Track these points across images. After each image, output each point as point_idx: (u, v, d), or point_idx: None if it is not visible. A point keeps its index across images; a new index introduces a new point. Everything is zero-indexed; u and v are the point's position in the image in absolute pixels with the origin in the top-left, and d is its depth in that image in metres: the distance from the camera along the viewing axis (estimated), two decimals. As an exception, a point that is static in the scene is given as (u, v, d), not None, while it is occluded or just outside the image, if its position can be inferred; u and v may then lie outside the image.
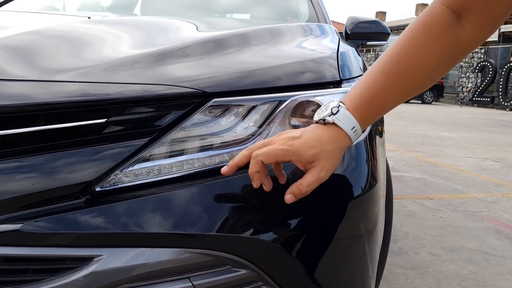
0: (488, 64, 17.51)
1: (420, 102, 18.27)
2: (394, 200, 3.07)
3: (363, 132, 0.76)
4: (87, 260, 0.68)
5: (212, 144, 0.80)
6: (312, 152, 0.69)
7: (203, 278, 0.72)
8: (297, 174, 0.76)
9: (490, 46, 18.96)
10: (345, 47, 1.20)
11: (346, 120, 0.71)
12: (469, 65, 18.91)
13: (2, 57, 0.81)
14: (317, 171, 0.69)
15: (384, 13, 36.04)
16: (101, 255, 0.68)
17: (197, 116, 0.79)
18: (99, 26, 1.18)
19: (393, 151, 5.67)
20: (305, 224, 0.79)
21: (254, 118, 0.84)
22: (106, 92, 0.75)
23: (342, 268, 0.84)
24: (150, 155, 0.76)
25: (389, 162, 4.47)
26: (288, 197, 0.71)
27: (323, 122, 0.72)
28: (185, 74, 0.83)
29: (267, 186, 0.73)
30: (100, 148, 0.73)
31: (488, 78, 17.39)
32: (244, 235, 0.73)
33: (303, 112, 0.88)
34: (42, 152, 0.71)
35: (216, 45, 0.97)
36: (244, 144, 0.81)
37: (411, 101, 18.55)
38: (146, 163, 0.76)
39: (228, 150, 0.80)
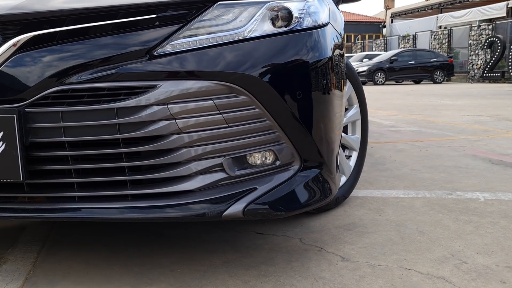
0: (497, 40, 17.65)
1: (431, 82, 18.52)
2: (387, 144, 3.56)
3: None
4: (153, 86, 1.20)
5: (218, 31, 1.31)
6: None
7: (219, 99, 1.23)
8: None
9: (498, 22, 19.08)
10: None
11: None
12: (477, 42, 19.07)
13: None
14: None
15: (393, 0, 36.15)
16: (161, 84, 1.20)
17: (209, 13, 1.30)
18: None
19: (395, 115, 6.12)
20: (286, 74, 1.31)
21: (245, 16, 1.34)
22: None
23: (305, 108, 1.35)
24: (182, 36, 1.27)
25: (389, 124, 4.94)
26: None
27: None
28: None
29: None
30: (155, 30, 1.25)
31: (497, 54, 17.53)
32: (245, 73, 1.24)
33: (277, 13, 1.38)
34: (121, 32, 1.24)
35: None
36: (237, 30, 1.31)
37: (422, 82, 18.81)
38: (180, 40, 1.27)
39: (227, 34, 1.31)
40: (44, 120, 1.21)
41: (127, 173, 1.25)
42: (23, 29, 1.21)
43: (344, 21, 1.97)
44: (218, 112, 1.24)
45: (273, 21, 1.36)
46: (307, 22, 1.41)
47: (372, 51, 25.87)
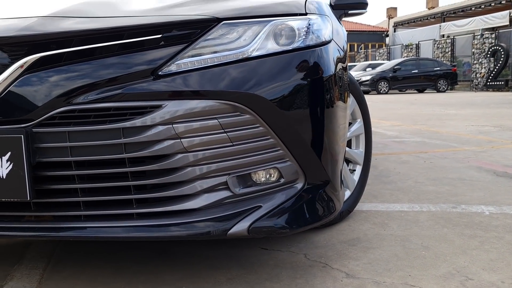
0: (500, 48, 17.68)
1: (435, 91, 18.51)
2: (391, 155, 3.56)
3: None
4: (158, 106, 1.21)
5: (222, 50, 1.32)
6: None
7: (223, 118, 1.24)
8: None
9: (501, 30, 19.10)
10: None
11: None
12: (480, 51, 19.07)
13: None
14: None
15: (395, 8, 36.27)
16: (166, 104, 1.21)
17: (213, 32, 1.32)
18: None
19: (398, 125, 6.12)
20: (290, 92, 1.32)
21: (249, 34, 1.36)
22: (160, 20, 1.29)
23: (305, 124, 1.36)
24: (187, 55, 1.29)
25: (393, 134, 4.91)
26: None
27: None
28: (207, 9, 1.37)
29: None
30: (160, 50, 1.26)
31: (500, 62, 17.55)
32: (249, 92, 1.26)
33: (281, 32, 1.40)
34: (127, 52, 1.25)
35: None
36: (241, 49, 1.33)
37: (426, 91, 18.81)
38: (185, 59, 1.28)
39: (232, 52, 1.32)
40: (51, 140, 1.22)
41: (132, 192, 1.26)
42: (30, 50, 1.23)
43: (347, 30, 1.98)
44: (223, 131, 1.25)
45: (277, 39, 1.38)
46: (311, 40, 1.43)
47: (375, 60, 25.94)
